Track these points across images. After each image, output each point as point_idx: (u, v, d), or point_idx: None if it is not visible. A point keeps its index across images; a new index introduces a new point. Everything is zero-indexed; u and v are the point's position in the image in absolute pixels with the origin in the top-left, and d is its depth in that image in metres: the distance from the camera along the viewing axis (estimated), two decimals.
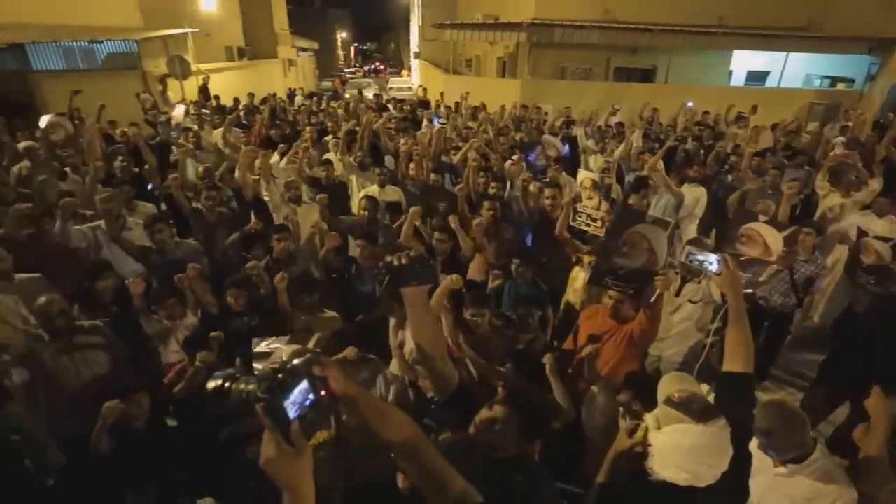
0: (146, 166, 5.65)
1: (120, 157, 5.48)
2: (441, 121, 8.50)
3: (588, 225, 3.93)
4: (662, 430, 1.51)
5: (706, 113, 9.92)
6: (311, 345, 2.76)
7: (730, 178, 6.07)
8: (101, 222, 3.72)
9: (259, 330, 3.21)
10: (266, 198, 4.46)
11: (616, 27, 12.69)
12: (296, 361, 0.96)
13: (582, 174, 4.38)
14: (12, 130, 6.63)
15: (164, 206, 5.05)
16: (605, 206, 4.11)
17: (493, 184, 4.96)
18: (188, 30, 14.27)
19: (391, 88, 23.24)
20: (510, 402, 1.59)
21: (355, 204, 5.30)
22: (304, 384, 0.91)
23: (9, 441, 2.44)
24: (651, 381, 2.45)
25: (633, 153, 6.68)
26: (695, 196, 5.27)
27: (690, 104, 9.95)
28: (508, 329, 3.24)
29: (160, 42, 13.18)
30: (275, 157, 5.91)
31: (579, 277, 3.79)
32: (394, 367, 3.30)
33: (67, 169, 5.44)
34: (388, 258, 1.42)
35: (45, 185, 4.73)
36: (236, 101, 11.42)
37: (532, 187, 4.95)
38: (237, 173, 4.67)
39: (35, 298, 2.81)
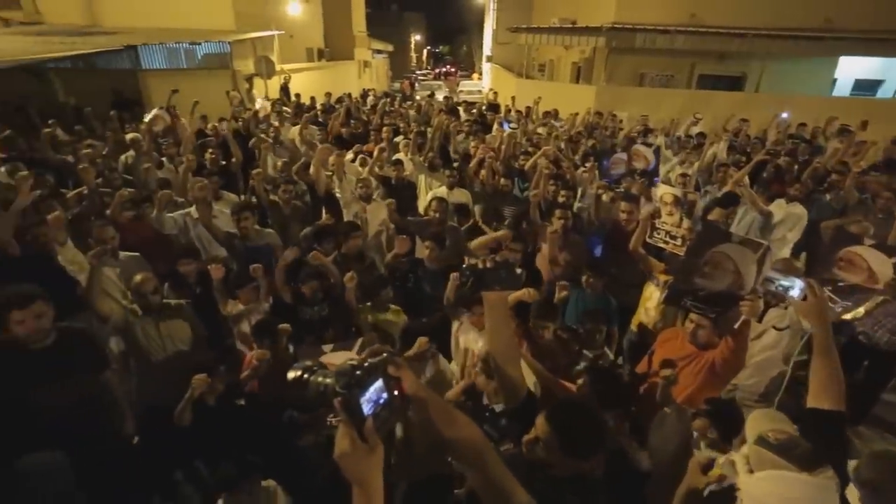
0: (233, 159, 6.06)
1: (210, 150, 5.90)
2: (512, 125, 8.41)
3: (667, 242, 3.70)
4: (756, 474, 1.36)
5: (802, 125, 9.09)
6: (355, 350, 2.81)
7: (828, 197, 5.51)
8: (192, 209, 4.00)
9: (328, 320, 3.33)
10: (338, 194, 4.61)
11: (704, 32, 11.96)
12: (372, 360, 0.97)
13: (662, 189, 4.12)
14: (122, 123, 7.38)
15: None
16: (686, 223, 3.85)
17: (563, 192, 4.83)
18: (275, 32, 15.15)
19: (461, 91, 23.42)
20: (552, 419, 1.50)
21: (422, 204, 5.37)
22: (379, 382, 0.92)
23: (100, 402, 2.67)
24: (729, 411, 2.26)
25: (713, 166, 6.26)
26: (792, 216, 4.79)
27: (785, 115, 9.15)
28: (574, 343, 3.13)
29: (250, 43, 14.11)
30: (349, 156, 6.13)
31: (653, 296, 3.58)
32: (452, 370, 3.29)
33: (164, 158, 5.96)
34: (473, 261, 1.43)
35: (146, 174, 5.18)
36: (313, 99, 11.95)
37: (605, 197, 4.76)
38: (312, 169, 4.88)
39: (133, 275, 3.09)
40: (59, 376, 2.39)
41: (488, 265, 1.41)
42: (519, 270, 3.68)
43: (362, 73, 26.02)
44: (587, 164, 5.80)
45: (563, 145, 6.89)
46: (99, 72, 12.10)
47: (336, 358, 2.41)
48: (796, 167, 6.46)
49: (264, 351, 2.78)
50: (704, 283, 2.79)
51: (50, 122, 7.08)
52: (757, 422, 1.85)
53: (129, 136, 6.34)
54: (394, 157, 5.83)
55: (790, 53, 12.14)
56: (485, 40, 30.90)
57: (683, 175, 5.75)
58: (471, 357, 3.01)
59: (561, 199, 4.72)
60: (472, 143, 6.99)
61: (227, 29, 13.96)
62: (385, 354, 1.02)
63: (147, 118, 6.38)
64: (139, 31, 12.86)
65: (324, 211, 4.85)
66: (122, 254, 3.50)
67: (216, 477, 2.21)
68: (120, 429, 2.72)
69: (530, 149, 6.70)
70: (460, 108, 10.71)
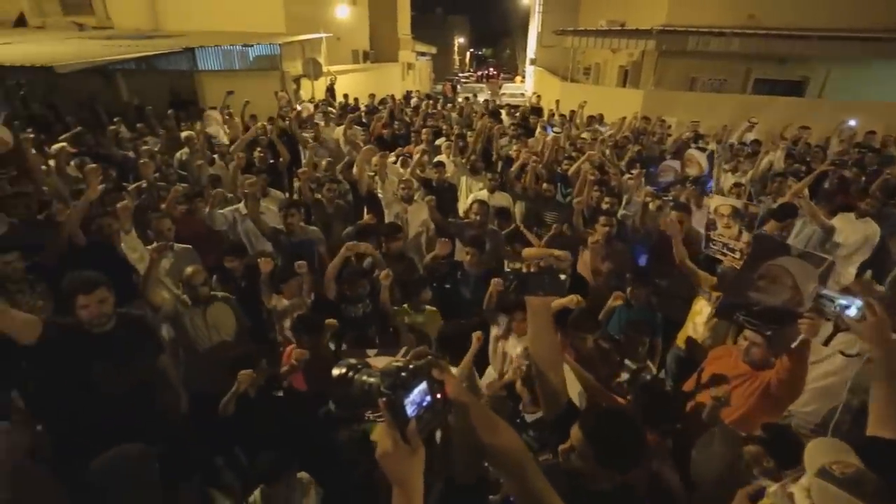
0: (280, 158, 6.26)
1: (258, 149, 6.11)
2: (555, 130, 8.28)
3: (724, 255, 3.54)
4: None
5: (871, 133, 8.50)
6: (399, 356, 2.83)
7: None
8: (240, 205, 4.16)
9: (370, 318, 3.38)
10: (380, 194, 4.67)
11: (764, 34, 11.39)
12: (417, 362, 0.99)
13: (717, 200, 3.95)
14: (177, 121, 7.77)
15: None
16: (746, 236, 3.66)
17: (607, 199, 4.71)
18: (323, 34, 15.56)
19: (503, 94, 23.30)
20: (585, 427, 1.45)
21: (463, 206, 5.37)
22: (423, 385, 0.93)
23: (156, 386, 2.80)
24: (787, 440, 2.12)
25: (769, 175, 5.94)
26: (862, 232, 4.46)
27: (852, 123, 8.58)
28: (615, 353, 3.03)
29: (299, 46, 14.55)
30: (391, 157, 6.21)
31: (703, 311, 3.42)
32: (489, 375, 3.25)
33: (215, 156, 6.22)
34: (517, 265, 1.43)
35: (199, 170, 5.43)
36: (356, 100, 12.20)
37: (652, 205, 4.60)
38: (355, 169, 4.97)
39: (184, 266, 3.23)
40: (118, 360, 2.52)
41: (532, 269, 1.41)
42: (563, 276, 3.61)
43: (406, 75, 26.35)
44: (633, 171, 5.63)
45: (607, 151, 6.72)
46: (159, 73, 12.81)
47: (380, 361, 2.42)
48: (864, 179, 6.04)
49: (303, 350, 2.84)
50: (759, 297, 2.63)
51: (115, 119, 7.56)
52: (817, 452, 1.72)
53: (183, 135, 6.66)
54: (435, 160, 5.86)
55: (859, 56, 11.38)
56: (529, 43, 30.67)
57: (737, 185, 5.48)
58: (510, 362, 2.97)
59: (605, 206, 4.61)
60: (515, 147, 6.93)
61: (278, 31, 14.45)
62: (429, 357, 1.04)
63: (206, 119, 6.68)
64: (196, 34, 13.53)
65: (365, 210, 4.94)
66: (177, 245, 3.66)
67: (256, 468, 2.26)
68: (175, 412, 2.83)
69: (574, 154, 6.58)
70: (502, 112, 10.64)
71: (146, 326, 2.75)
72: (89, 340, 2.44)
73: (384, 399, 0.90)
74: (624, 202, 5.13)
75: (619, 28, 13.86)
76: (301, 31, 14.70)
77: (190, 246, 3.77)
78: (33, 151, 5.15)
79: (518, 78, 36.76)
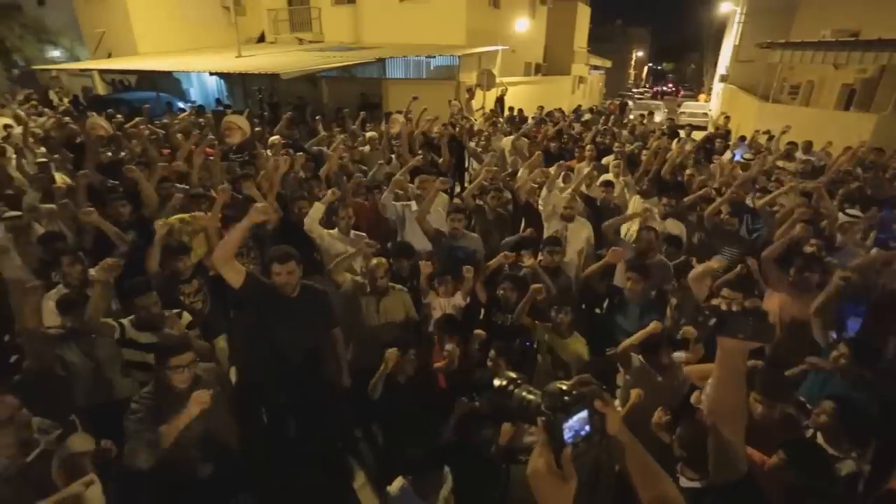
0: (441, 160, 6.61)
1: (422, 151, 6.53)
2: (746, 156, 7.25)
3: None
4: None
5: None
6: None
7: None
8: (411, 203, 4.47)
9: (516, 328, 3.33)
10: (541, 207, 4.59)
11: None
12: (582, 389, 0.96)
13: None
14: (363, 122, 8.74)
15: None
16: None
17: (813, 240, 3.92)
18: (500, 47, 16.07)
19: (682, 113, 21.23)
20: None
21: (626, 229, 4.99)
22: (584, 413, 0.92)
23: (326, 354, 3.16)
24: None
25: None
26: None
27: None
28: (801, 420, 2.49)
29: (476, 57, 15.26)
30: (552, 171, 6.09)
31: None
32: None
33: (393, 155, 6.81)
34: (715, 300, 1.25)
35: (378, 167, 6.01)
36: (521, 111, 12.31)
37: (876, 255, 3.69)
38: (519, 180, 4.98)
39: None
40: (297, 323, 2.88)
41: (734, 308, 1.24)
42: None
43: (576, 89, 25.81)
44: (849, 211, 4.62)
45: (809, 185, 5.64)
46: (354, 79, 14.65)
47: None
48: None
49: (456, 347, 2.90)
50: None
51: (316, 118, 8.83)
52: None
53: (368, 134, 7.46)
54: (602, 178, 5.57)
55: None
56: (720, 57, 27.46)
57: None
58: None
59: (809, 250, 3.84)
60: (688, 172, 6.25)
61: (458, 44, 15.34)
62: (594, 387, 1.00)
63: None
64: (388, 46, 15.11)
65: (523, 222, 4.91)
66: (353, 233, 4.08)
67: (405, 459, 2.36)
68: (337, 383, 3.15)
69: (769, 185, 5.66)
70: (681, 132, 9.70)
71: (326, 301, 3.09)
72: (278, 301, 2.84)
73: (543, 419, 0.90)
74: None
75: (851, 39, 11.52)
76: (479, 44, 15.40)
77: (364, 234, 4.17)
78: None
79: (702, 96, 33.14)
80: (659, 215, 4.67)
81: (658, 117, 14.49)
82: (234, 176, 5.03)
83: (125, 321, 2.90)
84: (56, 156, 6.17)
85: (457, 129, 8.65)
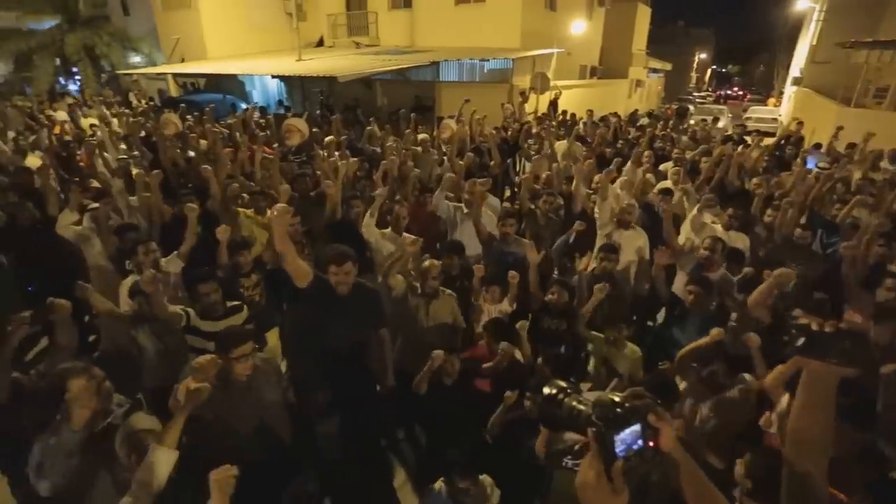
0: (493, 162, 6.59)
1: (470, 153, 6.52)
2: (821, 164, 6.73)
3: None
4: None
5: None
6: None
7: None
8: (462, 205, 4.47)
9: (563, 335, 3.26)
10: (596, 214, 4.46)
11: None
12: (635, 402, 0.94)
13: None
14: (416, 124, 8.84)
15: None
16: None
17: None
18: (555, 50, 15.81)
19: (748, 118, 20.02)
20: None
21: (684, 237, 4.76)
22: (637, 427, 0.90)
23: (371, 353, 3.21)
24: None
25: None
26: None
27: None
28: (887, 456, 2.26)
29: (530, 60, 15.10)
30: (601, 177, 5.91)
31: None
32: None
33: (444, 157, 6.86)
34: (805, 319, 1.17)
35: (430, 168, 6.08)
36: (573, 116, 12.05)
37: None
38: (574, 185, 4.86)
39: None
40: (348, 321, 2.94)
41: (827, 329, 1.17)
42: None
43: (633, 93, 24.99)
44: None
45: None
46: (408, 82, 14.87)
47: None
48: None
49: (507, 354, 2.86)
50: None
51: (370, 119, 9.04)
52: None
53: (420, 136, 7.55)
54: (660, 185, 5.34)
55: None
56: (794, 58, 25.72)
57: None
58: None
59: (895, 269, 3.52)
60: (755, 181, 5.86)
61: (512, 47, 15.23)
62: (648, 401, 0.97)
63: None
64: (442, 49, 15.23)
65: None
66: (405, 235, 4.13)
67: (447, 460, 2.36)
68: (382, 382, 3.20)
69: (848, 196, 5.23)
70: (748, 139, 9.14)
71: (377, 300, 3.14)
72: (332, 299, 2.90)
73: (594, 430, 0.89)
74: None
75: None
76: (534, 47, 15.22)
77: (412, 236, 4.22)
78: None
79: (772, 100, 31.11)
80: (722, 226, 4.42)
81: (722, 122, 13.74)
82: (292, 175, 5.24)
83: (190, 310, 3.08)
84: (135, 153, 6.67)
85: (509, 132, 8.59)
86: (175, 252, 3.60)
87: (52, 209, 4.18)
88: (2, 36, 16.95)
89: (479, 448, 2.71)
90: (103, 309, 2.99)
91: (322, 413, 3.36)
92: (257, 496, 1.81)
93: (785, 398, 2.36)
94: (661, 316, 4.13)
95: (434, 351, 2.81)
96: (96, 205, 4.22)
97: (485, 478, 2.44)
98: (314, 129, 7.66)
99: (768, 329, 3.05)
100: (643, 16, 25.78)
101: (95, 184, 5.01)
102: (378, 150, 7.36)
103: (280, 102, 15.65)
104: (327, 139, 6.78)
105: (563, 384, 1.03)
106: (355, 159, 5.64)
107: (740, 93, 44.17)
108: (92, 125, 8.63)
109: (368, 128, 8.27)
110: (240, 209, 4.42)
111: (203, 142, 6.71)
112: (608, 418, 0.89)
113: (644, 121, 11.99)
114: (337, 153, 6.32)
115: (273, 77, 16.36)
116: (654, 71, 30.48)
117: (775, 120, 19.98)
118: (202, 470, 2.04)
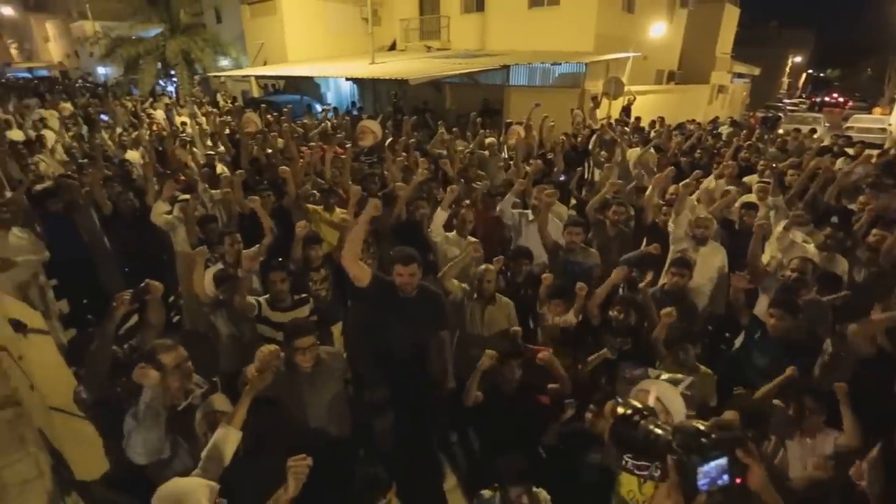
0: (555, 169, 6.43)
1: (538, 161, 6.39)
2: None
3: None
4: None
5: None
6: (681, 387, 2.48)
7: None
8: (528, 211, 4.40)
9: (627, 355, 3.10)
10: (670, 228, 4.21)
11: None
12: (723, 433, 0.87)
13: None
14: (483, 127, 8.82)
15: None
16: None
17: None
18: (630, 54, 15.18)
19: (849, 127, 18.12)
20: None
21: (769, 256, 4.39)
22: (723, 461, 0.85)
23: (431, 356, 3.24)
24: None
25: None
26: None
27: None
28: None
29: (603, 64, 14.61)
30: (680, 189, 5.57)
31: None
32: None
33: (511, 162, 6.79)
34: None
35: (496, 173, 6.05)
36: (637, 119, 11.53)
37: None
38: (647, 196, 4.62)
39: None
40: (411, 322, 2.98)
41: None
42: None
43: (714, 99, 23.48)
44: None
45: None
46: (477, 86, 14.89)
47: (657, 387, 2.18)
48: None
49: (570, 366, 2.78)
50: None
51: (438, 122, 9.14)
52: None
53: (486, 140, 7.53)
54: (744, 198, 4.95)
55: None
56: None
57: None
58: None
59: None
60: (862, 199, 5.26)
61: (586, 51, 14.81)
62: (738, 434, 0.90)
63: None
64: (513, 53, 15.11)
65: (645, 242, 4.55)
66: (469, 238, 4.12)
67: (498, 468, 2.32)
68: (442, 384, 3.22)
69: None
70: (850, 151, 8.29)
71: (440, 302, 3.16)
72: (396, 300, 2.95)
73: (675, 459, 0.85)
74: None
75: None
76: (608, 50, 14.71)
77: (476, 241, 4.19)
78: None
79: (877, 108, 27.95)
80: (816, 247, 4.03)
81: (818, 132, 12.54)
82: (361, 175, 5.40)
83: (262, 300, 3.25)
84: (220, 149, 7.18)
85: (578, 139, 8.34)
86: (256, 245, 3.83)
87: (149, 200, 4.59)
88: (117, 43, 19.34)
89: (535, 459, 2.64)
90: (197, 290, 3.21)
91: (379, 409, 3.43)
92: (320, 483, 1.87)
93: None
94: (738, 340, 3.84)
95: (486, 351, 2.77)
96: (186, 196, 4.58)
97: (540, 490, 2.37)
98: (386, 131, 7.87)
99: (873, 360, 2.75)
100: (730, 16, 24.11)
101: (184, 178, 5.46)
102: (444, 153, 7.43)
103: (353, 104, 16.28)
104: (391, 141, 6.92)
105: (638, 405, 0.99)
106: (424, 159, 5.73)
107: (840, 99, 40.07)
108: (183, 123, 9.43)
109: (441, 132, 8.35)
110: (309, 206, 4.62)
111: (280, 140, 7.09)
112: (692, 447, 0.84)
113: (724, 129, 11.22)
114: (405, 154, 6.47)
115: (347, 79, 17.03)
116: (740, 76, 28.41)
117: (884, 130, 17.93)
118: (267, 451, 2.16)
